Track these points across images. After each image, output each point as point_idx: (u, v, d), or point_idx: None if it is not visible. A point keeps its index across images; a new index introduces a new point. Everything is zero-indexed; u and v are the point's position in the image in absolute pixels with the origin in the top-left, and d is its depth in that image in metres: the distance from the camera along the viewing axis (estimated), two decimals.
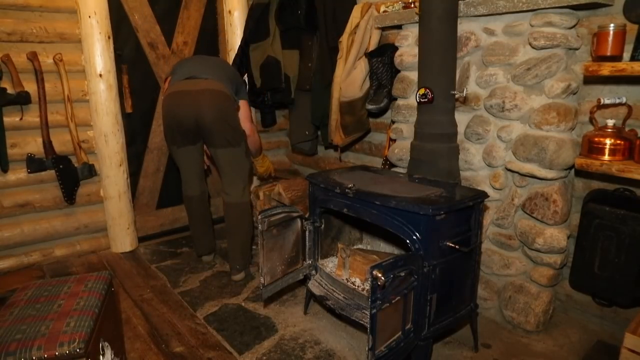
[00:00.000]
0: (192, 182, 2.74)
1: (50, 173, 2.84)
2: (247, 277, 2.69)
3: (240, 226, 2.63)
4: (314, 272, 2.20)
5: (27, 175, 2.78)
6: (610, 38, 1.68)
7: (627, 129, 1.83)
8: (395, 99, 2.55)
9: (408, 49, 2.41)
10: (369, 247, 2.45)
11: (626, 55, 1.74)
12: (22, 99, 2.66)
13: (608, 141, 1.75)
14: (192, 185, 2.75)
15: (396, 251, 2.30)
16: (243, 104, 2.64)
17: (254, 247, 2.92)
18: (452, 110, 2.12)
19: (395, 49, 2.49)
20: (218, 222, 3.42)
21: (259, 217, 1.94)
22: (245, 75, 3.31)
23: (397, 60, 2.45)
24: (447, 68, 2.05)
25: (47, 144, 2.79)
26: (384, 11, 2.55)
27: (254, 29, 3.14)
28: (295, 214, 2.10)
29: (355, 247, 2.37)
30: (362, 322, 1.79)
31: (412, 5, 2.35)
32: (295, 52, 3.16)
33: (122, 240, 3.11)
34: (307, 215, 2.16)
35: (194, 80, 2.47)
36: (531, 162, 1.97)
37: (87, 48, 2.80)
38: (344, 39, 2.71)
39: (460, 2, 2.08)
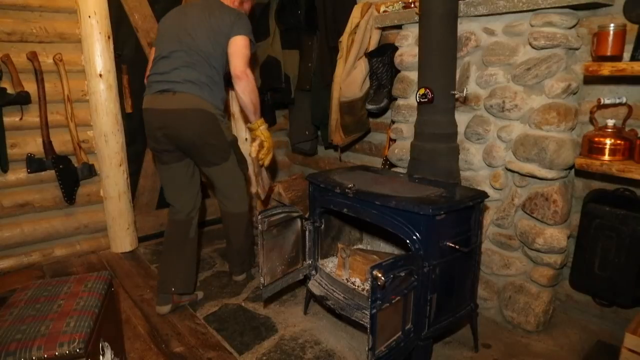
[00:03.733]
0: (179, 203, 2.32)
1: (50, 173, 2.84)
2: (248, 277, 2.67)
3: (236, 235, 2.50)
4: (314, 272, 2.20)
5: (27, 175, 2.78)
6: (611, 38, 1.68)
7: (627, 129, 1.83)
8: (395, 99, 2.55)
9: (408, 49, 2.41)
10: (369, 247, 2.45)
11: (626, 55, 1.74)
12: (22, 99, 2.66)
13: (608, 141, 1.75)
14: (178, 207, 2.32)
15: (396, 251, 2.29)
16: (237, 39, 2.10)
17: (255, 247, 2.83)
18: (452, 110, 2.12)
19: (395, 49, 2.49)
20: (212, 223, 3.45)
21: (259, 217, 1.94)
22: None
23: (397, 60, 2.45)
24: (447, 68, 2.05)
25: (47, 144, 2.79)
26: (384, 11, 2.54)
27: (254, 28, 3.14)
28: (295, 214, 2.10)
29: (355, 247, 2.37)
30: (362, 322, 1.79)
31: (412, 5, 2.35)
32: (295, 52, 3.16)
33: (122, 240, 3.11)
34: (307, 215, 2.16)
35: (166, 95, 2.10)
36: (531, 162, 1.97)
37: (87, 48, 2.80)
38: (344, 39, 2.71)
39: (460, 2, 2.07)
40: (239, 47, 2.09)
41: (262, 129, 2.27)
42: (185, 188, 2.33)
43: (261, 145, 2.31)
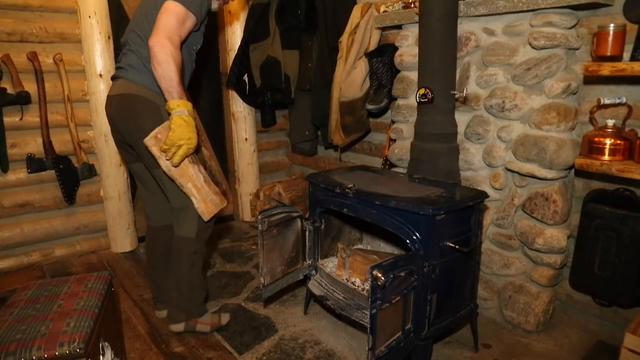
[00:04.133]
0: (149, 207, 2.15)
1: (50, 173, 2.84)
2: (187, 329, 2.07)
3: (177, 264, 2.01)
4: (314, 272, 2.20)
5: (27, 175, 2.78)
6: (610, 38, 1.69)
7: (627, 129, 1.83)
8: (395, 99, 2.55)
9: (408, 49, 2.41)
10: (369, 247, 2.45)
11: (626, 55, 1.74)
12: (22, 99, 2.66)
13: (608, 141, 1.75)
14: (149, 212, 2.16)
15: (396, 251, 2.30)
16: (165, 5, 1.71)
17: (207, 294, 2.22)
18: (452, 110, 2.12)
19: (395, 49, 2.49)
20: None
21: (259, 217, 1.94)
22: (246, 75, 3.31)
23: (397, 60, 2.45)
24: (447, 68, 2.05)
25: (47, 144, 2.79)
26: (384, 11, 2.55)
27: (254, 28, 3.14)
28: (295, 214, 2.10)
29: (355, 247, 2.37)
30: (362, 322, 1.79)
31: (412, 5, 2.35)
32: (295, 52, 3.16)
33: (122, 240, 3.11)
34: (307, 215, 2.16)
35: (112, 84, 1.92)
36: (531, 162, 1.97)
37: (87, 48, 2.80)
38: (344, 39, 2.71)
39: (460, 2, 2.07)
40: (161, 13, 1.69)
41: (176, 112, 1.70)
42: (153, 191, 2.06)
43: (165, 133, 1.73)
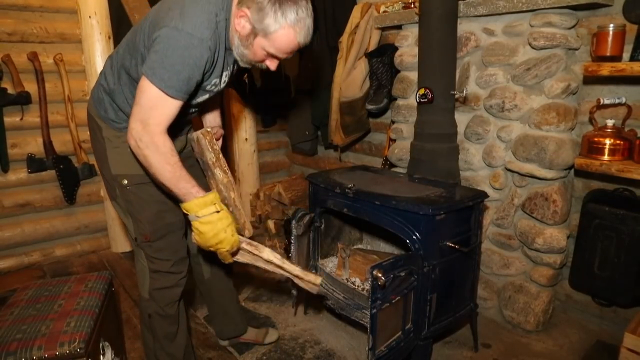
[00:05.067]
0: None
1: (51, 173, 2.84)
2: None
3: (143, 332, 1.70)
4: (314, 271, 2.20)
5: (28, 175, 2.79)
6: (610, 38, 1.69)
7: (626, 129, 1.83)
8: (395, 99, 2.55)
9: (408, 49, 2.41)
10: (369, 247, 2.45)
11: (626, 55, 1.74)
12: (23, 99, 2.66)
13: (607, 141, 1.76)
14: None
15: (396, 251, 2.30)
16: (141, 82, 1.26)
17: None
18: (452, 110, 2.12)
19: (395, 49, 2.49)
20: None
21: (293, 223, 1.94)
22: (246, 75, 3.31)
23: (397, 60, 2.45)
24: (447, 68, 2.06)
25: (48, 144, 2.79)
26: (384, 11, 2.55)
27: None
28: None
29: (355, 247, 2.37)
30: (362, 322, 1.79)
31: (412, 6, 2.36)
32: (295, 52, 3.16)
33: (123, 240, 3.11)
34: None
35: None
36: (531, 162, 1.98)
37: (87, 48, 2.80)
38: (344, 39, 2.71)
39: (460, 2, 2.08)
40: (137, 90, 1.28)
41: (190, 218, 1.33)
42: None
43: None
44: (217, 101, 1.77)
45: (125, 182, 1.48)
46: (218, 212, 1.32)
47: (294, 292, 2.00)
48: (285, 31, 1.26)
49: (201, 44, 1.23)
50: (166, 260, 1.55)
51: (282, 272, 1.51)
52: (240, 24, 1.29)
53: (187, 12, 1.23)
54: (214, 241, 1.32)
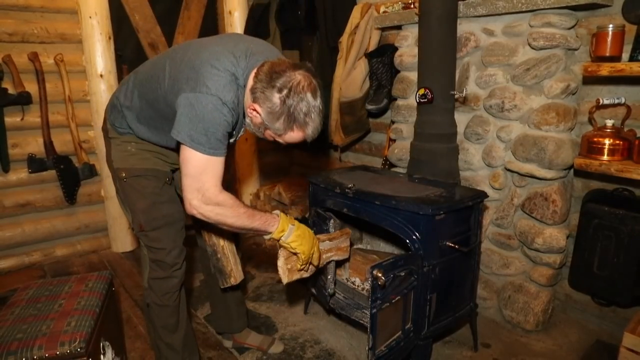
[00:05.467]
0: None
1: (51, 173, 2.85)
2: None
3: (146, 322, 1.82)
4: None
5: (28, 175, 2.79)
6: (609, 38, 1.69)
7: (626, 129, 1.83)
8: (395, 99, 2.56)
9: (408, 49, 2.41)
10: (369, 247, 2.45)
11: (625, 55, 1.74)
12: (23, 99, 2.67)
13: (607, 141, 1.76)
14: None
15: (396, 251, 2.30)
16: (183, 149, 1.32)
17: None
18: (451, 110, 2.12)
19: (395, 49, 2.49)
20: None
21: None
22: None
23: (396, 60, 2.46)
24: (447, 68, 2.06)
25: (48, 144, 2.79)
26: (384, 11, 2.55)
27: (254, 29, 3.15)
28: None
29: (355, 247, 2.38)
30: (362, 322, 1.80)
31: (412, 6, 2.36)
32: (295, 52, 3.17)
33: (123, 240, 3.11)
34: (307, 215, 2.16)
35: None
36: (530, 162, 1.98)
37: (87, 48, 2.80)
38: (344, 39, 2.72)
39: (459, 2, 2.08)
40: (181, 161, 1.34)
41: (287, 240, 1.48)
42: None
43: (291, 257, 1.54)
44: None
45: (123, 174, 1.60)
46: (293, 224, 1.50)
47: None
48: (295, 133, 1.33)
49: (226, 105, 1.30)
50: (161, 249, 1.62)
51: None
52: (252, 114, 1.36)
53: (209, 76, 1.29)
54: (312, 238, 1.53)
